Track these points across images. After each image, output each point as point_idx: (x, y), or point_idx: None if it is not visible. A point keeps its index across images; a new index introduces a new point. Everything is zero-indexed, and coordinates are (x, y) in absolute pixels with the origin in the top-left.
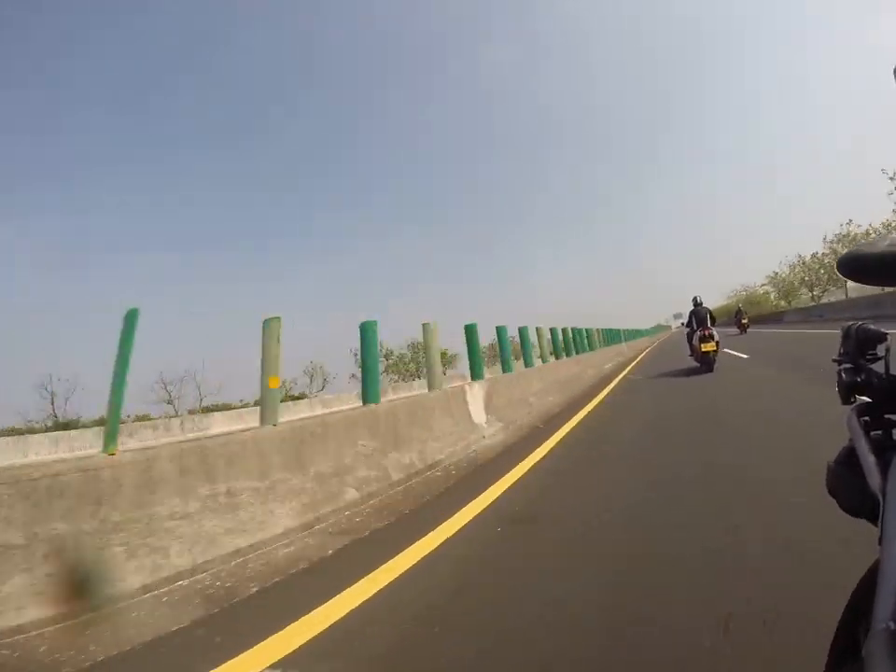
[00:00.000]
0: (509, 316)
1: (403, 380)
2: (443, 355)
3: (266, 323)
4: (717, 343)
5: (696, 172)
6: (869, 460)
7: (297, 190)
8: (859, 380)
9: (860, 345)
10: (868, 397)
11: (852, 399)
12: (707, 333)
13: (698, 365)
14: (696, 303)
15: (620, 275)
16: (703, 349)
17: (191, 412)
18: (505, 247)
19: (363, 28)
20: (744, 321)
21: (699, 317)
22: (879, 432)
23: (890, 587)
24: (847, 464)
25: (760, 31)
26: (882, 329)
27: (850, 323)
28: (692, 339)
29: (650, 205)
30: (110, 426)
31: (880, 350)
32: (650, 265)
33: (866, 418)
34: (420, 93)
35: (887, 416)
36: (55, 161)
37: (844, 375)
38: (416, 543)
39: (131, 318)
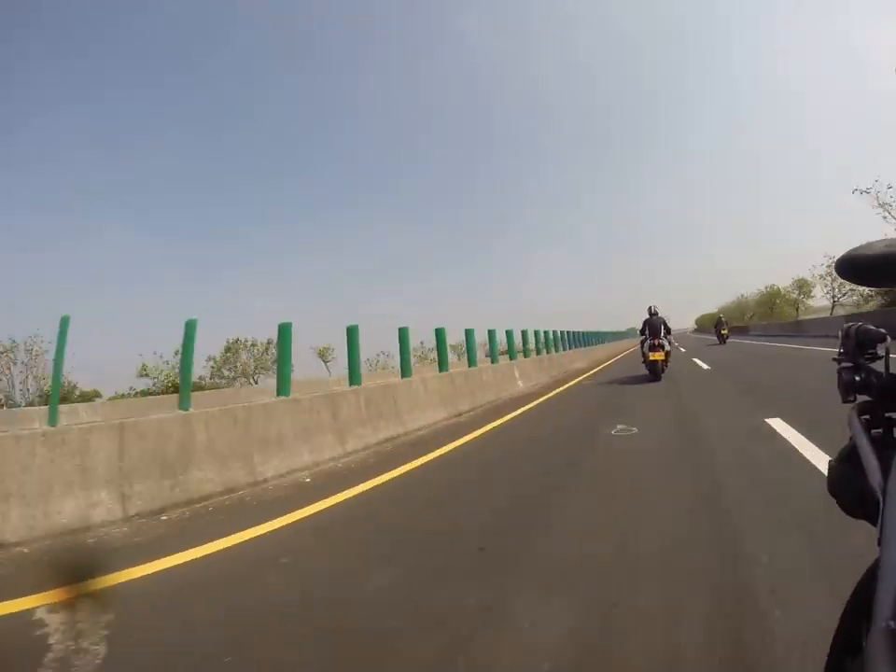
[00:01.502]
0: (510, 312)
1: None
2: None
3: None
4: (666, 353)
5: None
6: (870, 459)
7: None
8: (858, 378)
9: (859, 345)
10: (868, 395)
11: (851, 398)
12: (656, 343)
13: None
14: (651, 313)
15: (620, 276)
16: (651, 358)
17: None
18: (504, 247)
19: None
20: (724, 332)
21: (653, 327)
22: (880, 430)
23: (890, 586)
24: (848, 463)
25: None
26: (882, 330)
27: (850, 323)
28: (643, 346)
29: (652, 209)
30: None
31: (879, 350)
32: (648, 265)
33: (867, 416)
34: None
35: (887, 415)
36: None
37: (843, 374)
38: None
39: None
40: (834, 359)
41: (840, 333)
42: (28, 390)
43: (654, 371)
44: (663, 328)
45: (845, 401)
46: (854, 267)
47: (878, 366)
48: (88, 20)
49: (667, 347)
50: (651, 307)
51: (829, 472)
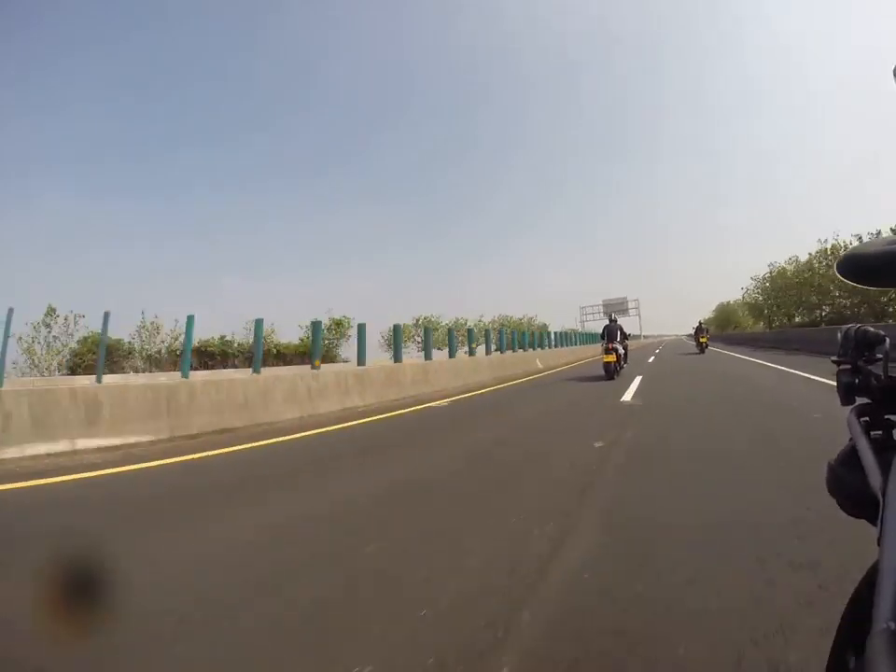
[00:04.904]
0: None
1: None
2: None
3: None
4: (618, 356)
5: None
6: (869, 460)
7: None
8: (857, 381)
9: (858, 347)
10: (867, 397)
11: (850, 401)
12: (610, 347)
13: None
14: (611, 320)
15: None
16: (605, 359)
17: None
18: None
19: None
20: (703, 339)
21: (610, 333)
22: (880, 432)
23: (890, 587)
24: (848, 464)
25: None
26: (881, 332)
27: (849, 325)
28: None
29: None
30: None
31: (879, 352)
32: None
33: (866, 418)
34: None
35: (886, 417)
36: None
37: (842, 376)
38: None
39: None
40: (833, 361)
41: (839, 335)
42: None
43: (608, 371)
44: (619, 333)
45: (844, 403)
46: (856, 266)
47: (878, 368)
48: None
49: (621, 351)
50: (610, 314)
51: (828, 473)
